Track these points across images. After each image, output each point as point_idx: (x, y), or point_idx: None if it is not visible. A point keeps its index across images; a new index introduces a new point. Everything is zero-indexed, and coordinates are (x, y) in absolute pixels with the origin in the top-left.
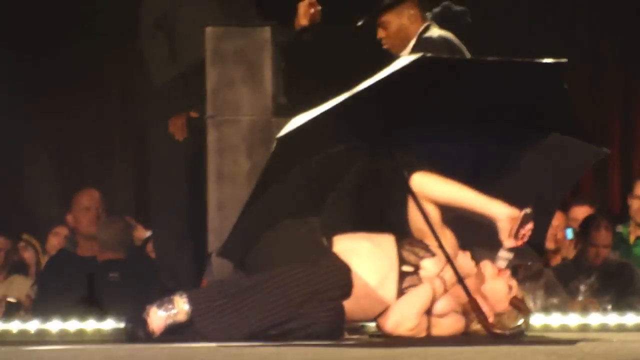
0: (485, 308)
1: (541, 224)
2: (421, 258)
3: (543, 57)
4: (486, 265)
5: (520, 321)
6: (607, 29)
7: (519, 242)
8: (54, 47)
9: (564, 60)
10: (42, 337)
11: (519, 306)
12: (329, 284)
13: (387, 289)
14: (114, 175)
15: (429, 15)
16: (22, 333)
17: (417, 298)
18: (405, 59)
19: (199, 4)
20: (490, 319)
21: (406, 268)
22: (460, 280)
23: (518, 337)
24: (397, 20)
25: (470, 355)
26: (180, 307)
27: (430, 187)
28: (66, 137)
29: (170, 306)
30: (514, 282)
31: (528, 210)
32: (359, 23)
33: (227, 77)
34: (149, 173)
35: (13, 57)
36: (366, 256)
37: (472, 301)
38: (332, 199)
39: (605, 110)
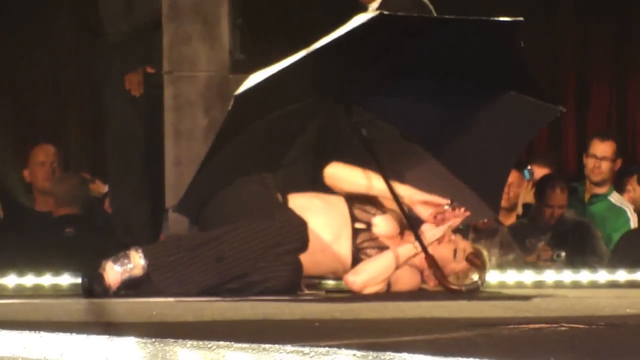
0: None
1: (497, 181)
2: (373, 215)
3: (499, 15)
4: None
5: (476, 277)
6: None
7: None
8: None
9: (520, 18)
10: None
11: (474, 262)
12: (285, 237)
13: (342, 245)
14: (70, 131)
15: None
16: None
17: (386, 263)
18: (362, 16)
19: None
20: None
21: (359, 225)
22: (417, 237)
23: (474, 292)
24: None
25: (428, 310)
26: (136, 261)
27: (342, 180)
28: (20, 91)
29: (126, 260)
30: (462, 244)
31: (446, 203)
32: None
33: (183, 33)
34: (105, 129)
35: None
36: (320, 213)
37: (429, 257)
38: (289, 156)
39: (559, 68)
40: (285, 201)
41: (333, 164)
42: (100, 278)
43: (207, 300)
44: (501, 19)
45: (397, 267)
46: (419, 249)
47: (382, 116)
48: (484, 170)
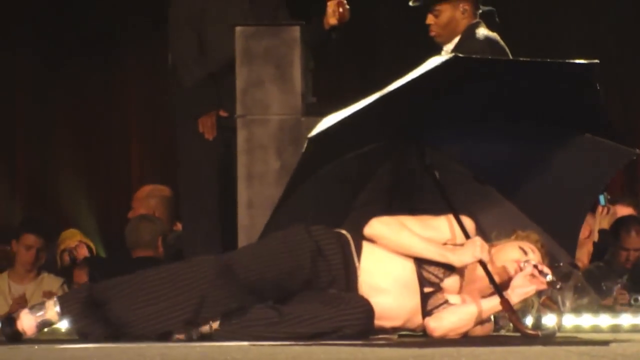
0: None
1: (572, 224)
2: (442, 276)
3: (574, 58)
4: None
5: (553, 322)
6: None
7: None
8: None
9: (595, 61)
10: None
11: (551, 307)
12: (347, 323)
13: (412, 315)
14: (144, 175)
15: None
16: (53, 332)
17: (469, 316)
18: (437, 59)
19: (229, 2)
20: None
21: (428, 289)
22: (497, 289)
23: (550, 338)
24: (450, 11)
25: (502, 355)
26: (50, 308)
27: (388, 240)
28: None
29: (40, 307)
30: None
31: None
32: (412, 4)
33: (256, 77)
34: (177, 172)
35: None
36: (397, 285)
37: (506, 303)
38: (362, 199)
39: (634, 109)
40: (359, 250)
41: (373, 222)
42: (12, 321)
43: (281, 344)
44: (576, 61)
45: (480, 322)
46: (506, 304)
47: (455, 158)
48: (559, 212)
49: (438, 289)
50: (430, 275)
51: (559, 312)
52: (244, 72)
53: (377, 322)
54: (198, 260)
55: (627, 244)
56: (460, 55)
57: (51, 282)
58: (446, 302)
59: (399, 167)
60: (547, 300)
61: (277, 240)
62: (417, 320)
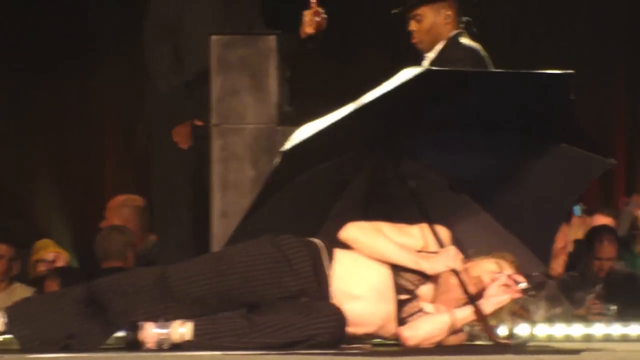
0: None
1: (547, 234)
2: (418, 284)
3: (549, 69)
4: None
5: (525, 331)
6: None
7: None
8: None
9: (570, 72)
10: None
11: (523, 315)
12: (319, 331)
13: (386, 322)
14: (115, 184)
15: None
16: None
17: (443, 326)
18: (409, 71)
19: (204, 12)
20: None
21: (403, 296)
22: (470, 298)
23: (522, 346)
24: (432, 16)
25: None
26: None
27: (363, 245)
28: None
29: None
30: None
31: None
32: (394, 11)
33: (231, 86)
34: (151, 181)
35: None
36: (371, 291)
37: (478, 312)
38: (336, 209)
39: (610, 119)
40: (332, 257)
41: (349, 226)
42: None
43: (255, 354)
44: (551, 72)
45: (453, 331)
46: (479, 314)
47: (430, 167)
48: (534, 222)
49: (413, 296)
50: (405, 282)
51: (532, 321)
52: (219, 81)
53: (351, 329)
54: (140, 269)
55: (600, 254)
56: (434, 68)
57: (23, 291)
58: (421, 310)
59: (375, 176)
60: (520, 309)
61: (235, 251)
62: (391, 327)
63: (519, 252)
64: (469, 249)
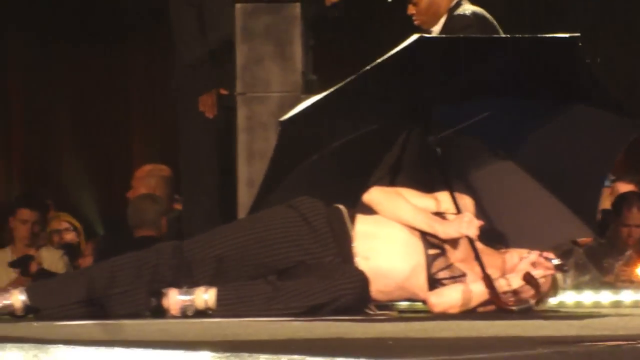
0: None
1: (591, 198)
2: (446, 243)
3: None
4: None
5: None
6: None
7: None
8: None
9: (576, 34)
10: None
11: (530, 282)
12: (343, 293)
13: (417, 276)
14: (141, 154)
15: None
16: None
17: (472, 295)
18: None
19: None
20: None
21: (432, 251)
22: (481, 265)
23: (526, 313)
24: None
25: (503, 329)
26: (14, 297)
27: (382, 206)
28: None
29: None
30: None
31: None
32: (390, 0)
33: (256, 54)
34: (178, 151)
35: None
36: (392, 241)
37: (486, 277)
38: (373, 180)
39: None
40: (354, 224)
41: (373, 189)
42: None
43: (281, 320)
44: (557, 35)
45: (482, 303)
46: (512, 286)
47: (467, 135)
48: (577, 187)
49: (443, 252)
50: (434, 239)
51: (538, 290)
52: (244, 50)
53: (380, 287)
54: (161, 244)
55: (629, 221)
56: (426, 35)
57: (51, 255)
58: (452, 265)
59: (405, 145)
60: (528, 274)
61: (251, 217)
62: (421, 284)
63: (567, 219)
64: (517, 217)
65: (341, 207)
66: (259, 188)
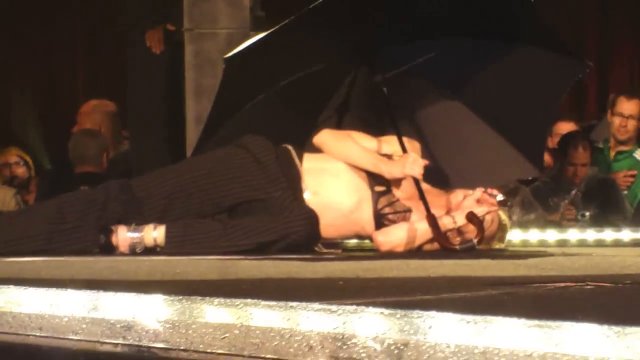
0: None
1: (537, 138)
2: (393, 182)
3: None
4: (457, 194)
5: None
6: None
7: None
8: None
9: None
10: None
11: (472, 220)
12: (292, 230)
13: (364, 210)
14: (87, 89)
15: None
16: None
17: (418, 233)
18: None
19: None
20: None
21: (379, 188)
22: (425, 204)
23: (469, 251)
24: None
25: (451, 268)
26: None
27: (330, 147)
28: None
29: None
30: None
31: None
32: None
33: None
34: (127, 87)
35: None
36: (339, 176)
37: (430, 217)
38: (321, 119)
39: (581, 22)
40: (301, 162)
41: (322, 131)
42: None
43: (230, 258)
44: None
45: (428, 241)
46: (457, 224)
47: (415, 75)
48: (523, 126)
49: (389, 189)
50: (380, 178)
51: (481, 228)
52: None
53: (328, 221)
54: (110, 182)
55: (575, 159)
56: None
57: (3, 193)
58: (398, 201)
59: (351, 87)
60: (470, 214)
61: (203, 157)
62: (367, 216)
63: (514, 158)
64: (464, 157)
65: (289, 146)
66: (204, 127)
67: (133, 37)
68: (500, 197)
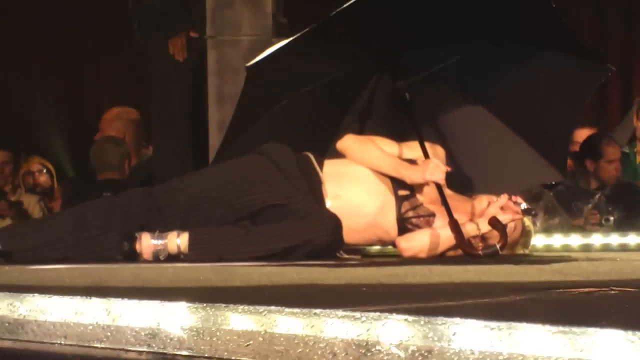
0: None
1: (561, 143)
2: (416, 187)
3: None
4: (482, 199)
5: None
6: None
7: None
8: None
9: None
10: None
11: (496, 226)
12: (317, 234)
13: (387, 215)
14: (110, 97)
15: None
16: None
17: (441, 240)
18: None
19: None
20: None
21: (402, 192)
22: (448, 209)
23: (492, 257)
24: None
25: (475, 274)
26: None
27: (353, 152)
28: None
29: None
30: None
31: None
32: None
33: None
34: (148, 94)
35: None
36: (362, 181)
37: (452, 222)
38: (343, 125)
39: (605, 25)
40: (322, 168)
41: (345, 137)
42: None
43: (253, 265)
44: None
45: (452, 247)
46: (481, 231)
47: (438, 78)
48: (546, 131)
49: (412, 194)
50: (403, 182)
51: (504, 234)
52: None
53: (351, 224)
54: (132, 190)
55: (612, 155)
56: None
57: (27, 199)
58: (421, 205)
59: (374, 93)
60: (493, 219)
61: (224, 164)
62: (390, 221)
63: (538, 163)
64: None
65: (309, 154)
66: (225, 134)
67: (156, 44)
68: (524, 205)
